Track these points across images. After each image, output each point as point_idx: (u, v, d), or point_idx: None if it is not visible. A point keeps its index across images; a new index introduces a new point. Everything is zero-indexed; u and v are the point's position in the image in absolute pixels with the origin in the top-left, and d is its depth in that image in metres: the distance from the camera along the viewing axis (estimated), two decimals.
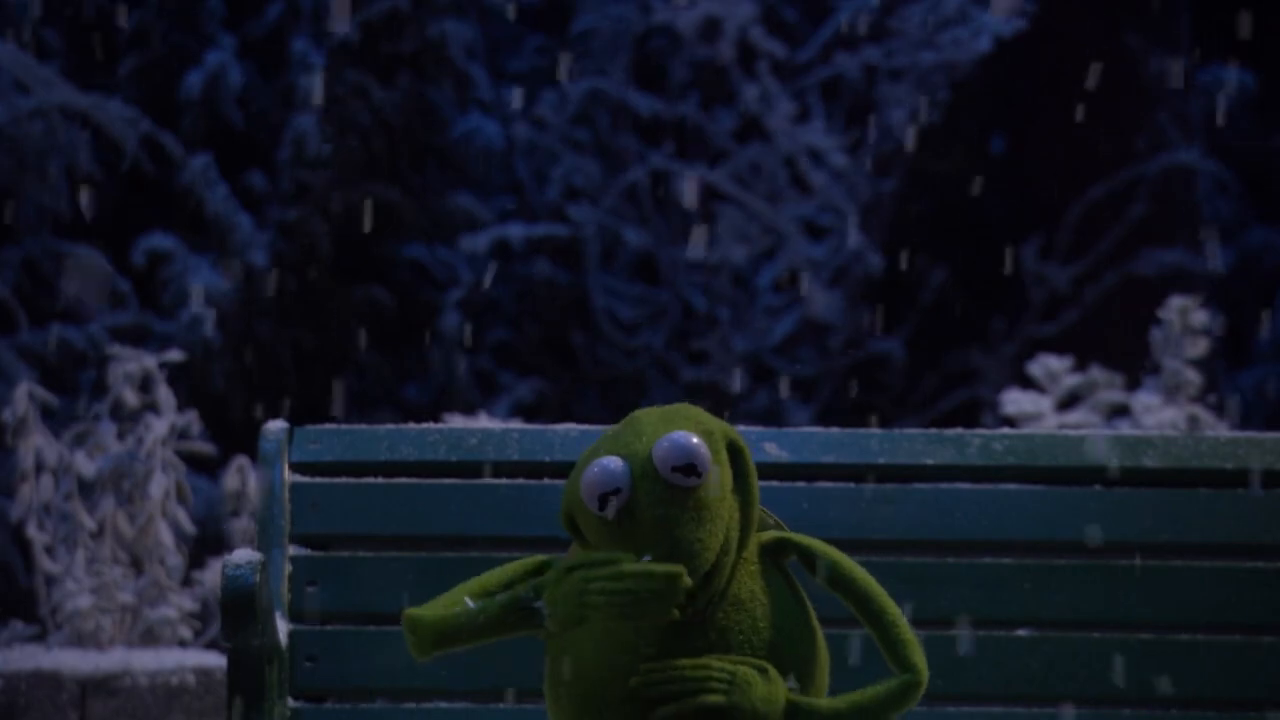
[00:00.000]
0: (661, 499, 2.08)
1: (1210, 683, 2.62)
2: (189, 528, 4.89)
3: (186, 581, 5.06)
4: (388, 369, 8.90)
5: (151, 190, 8.51)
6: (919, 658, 2.14)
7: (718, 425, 2.16)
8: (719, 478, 2.12)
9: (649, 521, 2.07)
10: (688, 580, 2.05)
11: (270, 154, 8.89)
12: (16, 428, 4.85)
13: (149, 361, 5.01)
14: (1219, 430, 5.69)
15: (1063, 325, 9.10)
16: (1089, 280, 9.14)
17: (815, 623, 2.18)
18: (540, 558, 2.23)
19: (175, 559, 4.86)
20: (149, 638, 4.80)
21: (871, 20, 9.36)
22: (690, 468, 2.09)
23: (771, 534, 2.20)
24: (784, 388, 9.19)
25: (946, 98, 9.29)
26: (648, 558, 2.06)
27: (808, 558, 2.19)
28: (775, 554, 2.19)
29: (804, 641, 2.14)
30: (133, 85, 8.84)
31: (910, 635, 2.15)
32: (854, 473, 2.69)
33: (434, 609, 2.15)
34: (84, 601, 4.71)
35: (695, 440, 2.10)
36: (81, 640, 4.73)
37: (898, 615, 2.16)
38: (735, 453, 2.16)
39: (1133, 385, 6.32)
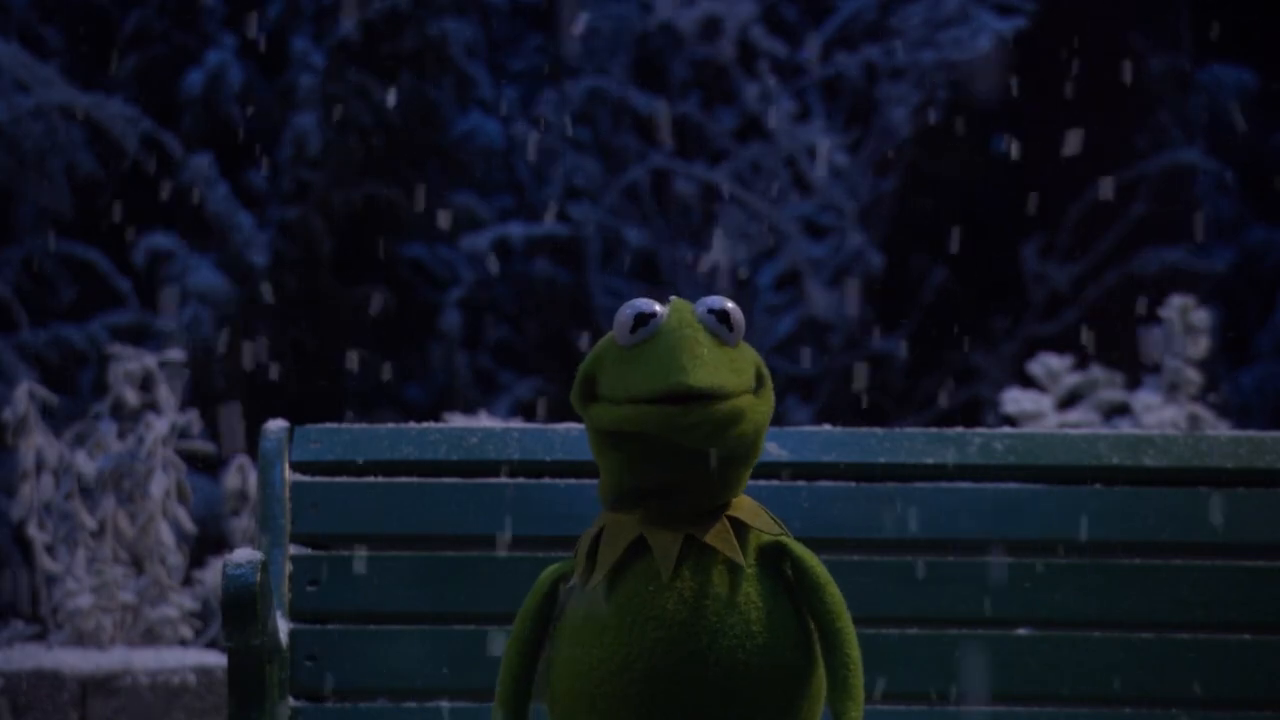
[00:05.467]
0: (692, 325, 2.06)
1: (1211, 683, 2.61)
2: (189, 527, 4.89)
3: (187, 581, 5.06)
4: (389, 369, 8.90)
5: (151, 190, 8.51)
6: (858, 713, 2.08)
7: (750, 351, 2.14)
8: (750, 361, 2.08)
9: (676, 341, 2.04)
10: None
11: (271, 153, 8.88)
12: (17, 427, 4.84)
13: (149, 361, 5.01)
14: (1219, 429, 5.69)
15: (1063, 324, 9.10)
16: (1089, 279, 9.13)
17: (813, 634, 2.11)
18: (549, 580, 2.16)
19: (176, 558, 4.86)
20: (150, 637, 4.79)
21: (872, 19, 9.36)
22: (725, 315, 2.07)
23: (770, 537, 2.13)
24: (787, 387, 9.18)
25: (946, 97, 9.29)
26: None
27: (798, 570, 2.11)
28: (774, 559, 2.12)
29: (799, 650, 2.07)
30: (133, 85, 8.84)
31: (860, 686, 2.08)
32: (855, 472, 2.69)
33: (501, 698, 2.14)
34: (84, 601, 4.71)
35: (732, 305, 2.10)
36: (82, 639, 4.73)
37: (858, 663, 2.09)
38: (760, 378, 2.12)
39: (1133, 384, 6.32)
